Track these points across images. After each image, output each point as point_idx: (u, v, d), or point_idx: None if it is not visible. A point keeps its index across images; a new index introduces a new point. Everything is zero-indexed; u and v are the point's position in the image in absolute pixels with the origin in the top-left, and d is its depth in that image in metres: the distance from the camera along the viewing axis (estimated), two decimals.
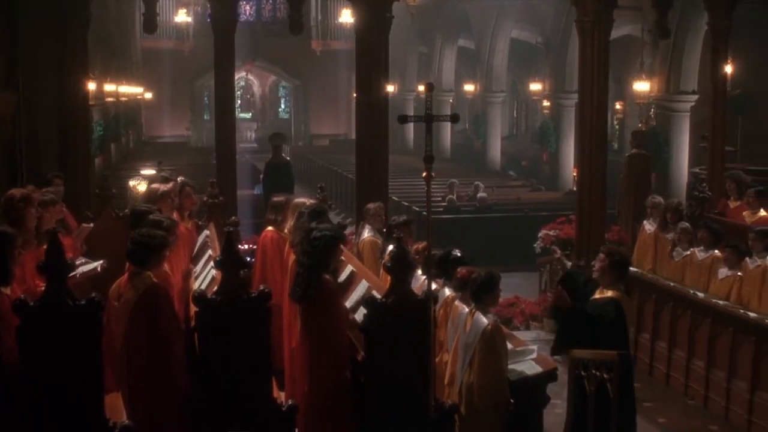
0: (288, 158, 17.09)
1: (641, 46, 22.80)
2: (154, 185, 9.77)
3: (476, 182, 23.13)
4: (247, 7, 47.18)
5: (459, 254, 8.68)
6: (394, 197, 23.13)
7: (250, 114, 50.27)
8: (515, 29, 31.28)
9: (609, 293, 8.10)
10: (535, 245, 15.67)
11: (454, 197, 22.01)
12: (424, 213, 20.22)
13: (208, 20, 13.96)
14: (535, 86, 30.54)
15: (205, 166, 22.94)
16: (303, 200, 9.87)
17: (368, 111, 13.10)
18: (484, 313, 7.72)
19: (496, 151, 32.51)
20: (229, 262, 6.77)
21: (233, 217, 11.88)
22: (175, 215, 9.84)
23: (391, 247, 10.79)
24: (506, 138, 37.71)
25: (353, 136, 45.83)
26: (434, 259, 8.92)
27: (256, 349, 6.77)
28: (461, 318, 8.01)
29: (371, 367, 7.23)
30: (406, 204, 22.10)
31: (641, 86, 22.12)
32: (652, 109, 22.93)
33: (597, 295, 8.23)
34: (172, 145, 38.99)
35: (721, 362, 10.57)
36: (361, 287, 8.63)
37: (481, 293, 7.81)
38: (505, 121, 38.92)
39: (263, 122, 49.87)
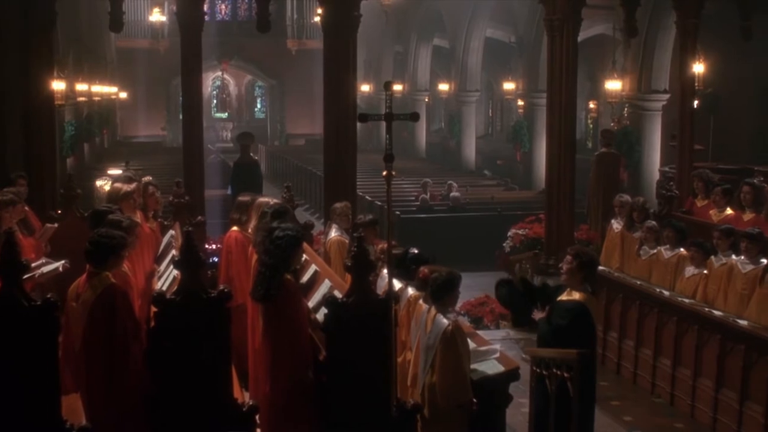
0: (256, 158, 17.01)
1: (614, 45, 22.87)
2: (117, 185, 9.73)
3: (450, 181, 23.17)
4: (223, 7, 47.11)
5: (416, 252, 8.65)
6: (367, 196, 23.15)
7: (226, 114, 50.15)
8: (490, 28, 31.29)
9: (576, 295, 8.08)
10: (504, 244, 15.68)
11: (427, 196, 22.01)
12: (398, 212, 20.48)
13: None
14: (509, 85, 30.55)
15: (180, 166, 22.79)
16: (267, 200, 9.84)
17: (336, 110, 13.05)
18: (445, 313, 7.68)
19: (470, 150, 32.53)
20: (188, 262, 6.73)
21: (199, 217, 11.83)
22: (139, 215, 9.81)
23: None
24: (481, 137, 37.76)
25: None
26: (395, 258, 8.95)
27: (216, 349, 6.75)
28: (423, 318, 7.98)
29: (333, 367, 7.22)
30: (379, 203, 22.08)
31: (613, 85, 22.18)
32: (626, 108, 23.00)
33: (564, 297, 8.20)
34: (147, 145, 38.83)
35: (687, 360, 10.59)
36: (323, 287, 8.62)
37: (440, 293, 7.77)
38: (481, 121, 38.97)
39: (239, 122, 49.75)
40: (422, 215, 21.06)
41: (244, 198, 10.26)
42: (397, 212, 20.87)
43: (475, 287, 15.73)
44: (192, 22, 13.13)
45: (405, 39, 36.84)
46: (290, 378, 7.32)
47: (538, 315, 8.25)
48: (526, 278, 9.45)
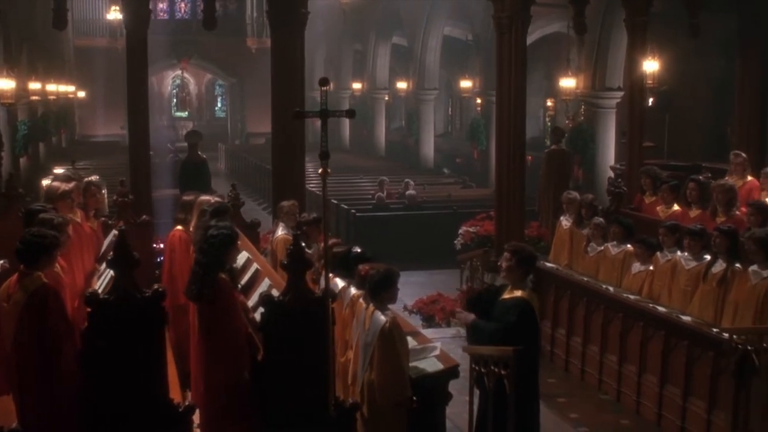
0: (204, 156, 16.89)
1: (568, 43, 22.92)
2: (55, 184, 9.60)
3: (406, 180, 23.17)
4: (182, 5, 46.91)
5: (358, 251, 8.60)
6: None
7: (187, 112, 49.96)
8: (447, 27, 31.34)
9: (517, 293, 8.05)
10: (455, 242, 15.66)
11: (384, 195, 21.99)
12: (353, 211, 20.45)
13: None
14: (466, 83, 30.58)
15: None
16: (208, 198, 9.77)
17: (284, 107, 12.95)
18: (383, 311, 7.64)
19: (429, 148, 32.55)
20: (121, 261, 6.64)
21: (144, 216, 11.72)
22: (79, 214, 9.70)
23: None
24: (441, 135, 37.82)
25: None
26: (337, 257, 8.91)
27: (151, 349, 6.66)
28: (362, 316, 7.94)
29: (269, 366, 7.16)
30: (335, 202, 22.06)
31: (567, 83, 22.23)
32: (583, 107, 23.09)
33: (506, 295, 8.18)
34: (106, 144, 38.60)
35: (632, 357, 10.61)
36: (263, 286, 8.58)
37: (378, 290, 7.73)
38: (440, 119, 39.02)
39: (200, 121, 49.60)
40: (378, 213, 21.04)
41: (187, 197, 10.19)
42: (353, 210, 20.86)
43: (429, 285, 15.74)
44: (137, 19, 12.97)
45: (364, 38, 36.84)
46: (226, 378, 7.25)
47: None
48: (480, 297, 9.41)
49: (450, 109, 39.84)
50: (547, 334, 12.42)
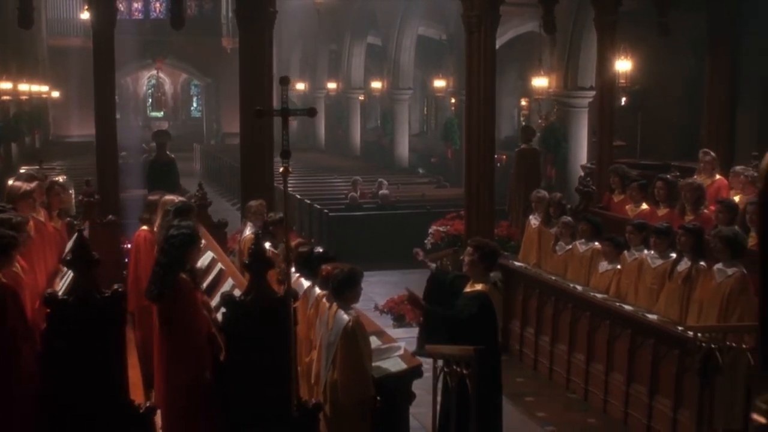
0: (173, 156, 16.81)
1: (540, 43, 22.95)
2: (16, 183, 9.50)
3: (380, 179, 23.14)
4: (157, 5, 46.76)
5: (321, 251, 8.59)
6: (297, 195, 23.09)
7: (162, 112, 49.78)
8: (422, 26, 31.33)
9: (479, 286, 8.07)
10: (425, 241, 15.64)
11: (357, 195, 21.95)
12: (325, 210, 20.41)
13: (117, 17, 13.67)
14: (440, 83, 30.56)
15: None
16: (172, 198, 9.72)
17: (252, 107, 12.85)
18: (346, 310, 7.62)
19: (404, 148, 32.55)
20: (80, 261, 6.59)
21: (110, 216, 11.65)
22: (42, 214, 9.62)
23: (267, 245, 10.75)
24: (416, 135, 37.80)
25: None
26: (301, 257, 8.89)
27: (110, 349, 6.62)
28: (326, 315, 7.92)
29: (231, 367, 7.12)
30: (308, 202, 22.03)
31: (540, 82, 22.26)
32: (556, 106, 23.11)
33: (468, 289, 8.18)
34: (80, 145, 38.34)
35: (600, 355, 10.62)
36: (226, 286, 8.54)
37: (342, 290, 7.71)
38: (416, 119, 39.01)
39: (175, 121, 49.46)
40: (351, 213, 20.99)
41: (153, 197, 10.14)
42: (326, 210, 20.82)
43: (402, 284, 15.63)
44: (104, 19, 12.87)
45: (339, 37, 36.79)
46: (187, 378, 7.21)
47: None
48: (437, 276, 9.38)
49: (425, 108, 39.84)
50: (516, 333, 12.43)
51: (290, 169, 7.41)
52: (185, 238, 7.44)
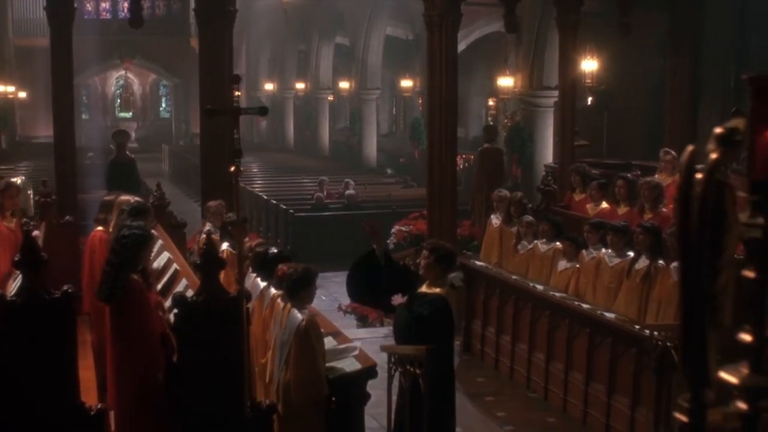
0: (132, 156, 16.70)
1: (505, 43, 22.99)
2: None
3: (346, 179, 23.13)
4: (125, 5, 46.42)
5: (276, 251, 8.55)
6: (264, 195, 23.06)
7: (131, 113, 49.46)
8: (389, 26, 31.31)
9: (436, 289, 8.00)
10: (388, 241, 15.61)
11: (323, 195, 21.92)
12: (291, 211, 20.35)
13: (85, 17, 13.63)
14: (407, 83, 30.55)
15: (78, 166, 22.41)
16: (128, 198, 9.63)
17: (213, 106, 12.78)
18: (300, 310, 7.58)
19: (372, 148, 32.51)
20: (29, 262, 6.51)
21: (68, 217, 11.54)
22: None
23: (225, 245, 10.71)
24: (386, 135, 37.80)
25: (235, 134, 45.76)
26: (257, 258, 8.85)
27: (60, 350, 6.55)
28: (280, 315, 7.87)
29: (184, 368, 7.07)
30: (274, 202, 21.98)
31: (505, 82, 22.29)
32: (522, 106, 23.14)
33: (425, 290, 8.12)
34: (47, 145, 37.96)
35: (559, 354, 10.61)
36: (180, 286, 8.48)
37: (296, 289, 7.67)
38: (385, 119, 39.00)
39: (144, 121, 49.21)
40: (316, 214, 20.96)
41: (108, 197, 10.06)
42: (291, 211, 20.77)
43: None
44: (62, 17, 12.76)
45: (307, 38, 36.70)
46: (138, 380, 7.15)
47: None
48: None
49: (394, 109, 39.85)
50: (477, 333, 12.42)
51: (242, 169, 7.33)
52: (137, 238, 7.36)
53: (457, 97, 13.93)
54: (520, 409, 10.70)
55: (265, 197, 22.91)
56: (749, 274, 2.43)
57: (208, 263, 7.04)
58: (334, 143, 37.11)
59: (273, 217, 21.89)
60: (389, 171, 31.16)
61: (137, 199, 9.82)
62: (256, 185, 26.48)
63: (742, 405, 2.46)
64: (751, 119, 2.41)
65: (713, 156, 2.48)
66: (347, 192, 21.68)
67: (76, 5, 13.40)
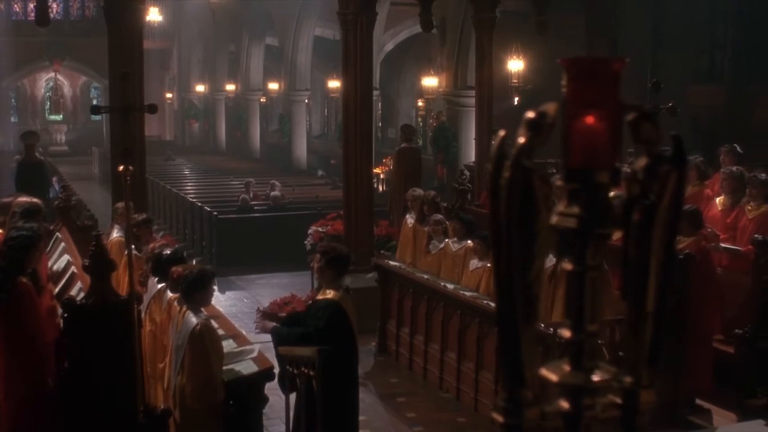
0: (42, 158, 16.42)
1: (429, 43, 22.99)
2: None
3: (272, 181, 22.97)
4: (54, 6, 45.81)
5: (169, 252, 8.40)
6: (189, 197, 22.81)
7: (61, 116, 48.74)
8: (319, 27, 31.17)
9: (330, 293, 7.90)
10: (305, 242, 15.47)
11: (249, 197, 21.74)
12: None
13: (13, 18, 13.29)
14: (335, 84, 30.44)
15: (5, 170, 22.08)
16: (25, 199, 9.41)
17: (121, 109, 12.54)
18: (195, 313, 7.44)
19: (302, 149, 32.32)
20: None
21: None
22: None
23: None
24: (318, 137, 37.67)
25: (167, 137, 45.13)
26: (152, 260, 8.70)
27: None
28: (176, 318, 7.73)
29: (74, 373, 6.93)
30: (199, 204, 21.74)
31: (430, 82, 22.27)
32: (447, 106, 23.14)
33: (319, 296, 8.04)
34: None
35: (470, 354, 10.56)
36: (75, 290, 8.32)
37: (191, 292, 7.52)
38: (317, 120, 38.87)
39: (75, 124, 48.54)
40: (241, 215, 20.76)
41: (5, 199, 9.83)
42: (215, 213, 20.56)
43: (291, 286, 15.55)
44: None
45: (238, 38, 36.43)
46: (25, 385, 6.98)
47: None
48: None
49: (326, 110, 39.73)
50: (392, 334, 12.35)
51: (130, 168, 7.19)
52: (25, 240, 7.19)
53: (372, 97, 13.85)
54: (432, 410, 10.64)
55: (190, 199, 22.67)
56: (566, 266, 2.34)
57: (97, 265, 6.90)
58: (266, 145, 36.89)
59: (198, 220, 21.65)
60: (320, 173, 31.00)
61: (34, 200, 9.58)
62: (185, 188, 26.22)
63: (563, 403, 2.37)
64: (566, 103, 2.31)
65: (520, 141, 2.39)
66: (272, 194, 21.53)
67: (2, 6, 13.06)
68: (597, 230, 2.18)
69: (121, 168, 7.01)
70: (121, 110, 6.95)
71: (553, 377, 2.43)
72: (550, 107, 2.40)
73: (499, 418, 2.56)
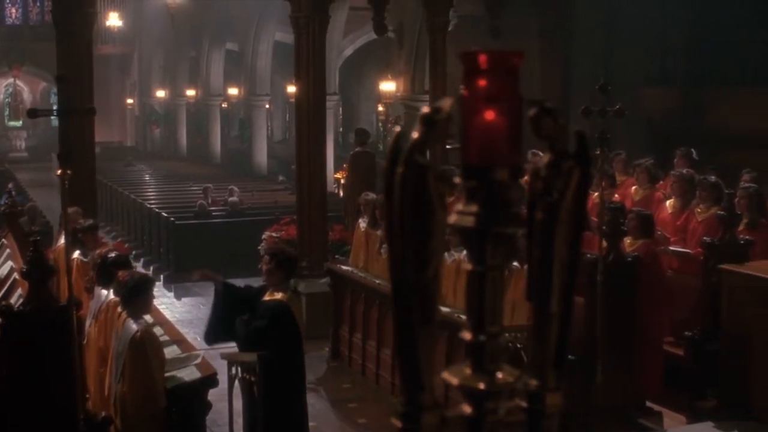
0: None
1: (385, 47, 22.94)
2: None
3: (230, 186, 22.86)
4: (13, 10, 45.49)
5: (113, 256, 8.31)
6: (147, 203, 22.67)
7: (20, 122, 48.29)
8: (279, 32, 31.03)
9: (278, 295, 7.85)
10: (258, 247, 15.37)
11: (207, 202, 21.63)
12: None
13: None
14: (293, 89, 30.31)
15: None
16: None
17: (72, 116, 12.43)
18: (136, 319, 7.35)
19: (262, 155, 32.15)
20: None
21: None
22: None
23: (77, 253, 10.38)
24: (280, 142, 37.53)
25: (129, 142, 44.84)
26: (97, 264, 8.61)
27: None
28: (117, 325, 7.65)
29: (11, 381, 6.82)
30: (157, 210, 21.61)
31: (388, 86, 22.22)
32: (405, 110, 23.06)
33: (267, 297, 7.97)
34: None
35: None
36: (15, 296, 8.21)
37: (131, 297, 7.45)
38: (279, 125, 38.74)
39: (35, 130, 48.07)
40: (198, 221, 20.63)
41: None
42: (172, 218, 20.42)
43: None
44: None
45: (198, 43, 36.22)
46: None
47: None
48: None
49: (287, 115, 39.62)
50: (344, 339, 12.29)
51: (68, 171, 7.10)
52: None
53: (326, 101, 13.80)
54: (383, 415, 10.54)
55: (148, 205, 22.52)
56: (466, 266, 2.28)
57: (35, 271, 6.81)
58: (228, 150, 36.71)
59: (155, 225, 21.50)
60: (282, 178, 30.87)
61: None
62: (145, 193, 26.07)
63: (466, 407, 2.31)
64: (464, 99, 2.25)
65: (414, 136, 2.32)
66: (230, 199, 21.42)
67: None
68: (496, 229, 2.11)
69: (59, 172, 6.90)
70: (60, 113, 6.82)
71: (454, 380, 2.37)
72: (446, 102, 2.34)
73: (397, 423, 2.49)
